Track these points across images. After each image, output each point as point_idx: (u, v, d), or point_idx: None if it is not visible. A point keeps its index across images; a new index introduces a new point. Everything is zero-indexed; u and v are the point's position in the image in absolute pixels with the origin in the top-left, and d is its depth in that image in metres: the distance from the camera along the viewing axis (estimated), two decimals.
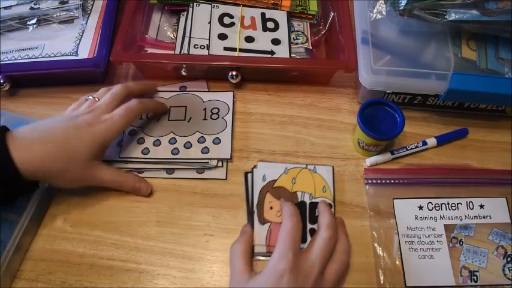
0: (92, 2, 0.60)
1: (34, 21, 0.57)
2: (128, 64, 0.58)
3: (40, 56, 0.54)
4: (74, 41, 0.56)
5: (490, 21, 0.47)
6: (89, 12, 0.59)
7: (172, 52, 0.55)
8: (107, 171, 0.46)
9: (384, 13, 0.53)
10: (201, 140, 0.51)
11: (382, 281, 0.43)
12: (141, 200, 0.48)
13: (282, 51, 0.55)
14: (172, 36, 0.58)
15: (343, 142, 0.53)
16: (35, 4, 0.57)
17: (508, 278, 0.43)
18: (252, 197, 0.47)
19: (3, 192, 0.40)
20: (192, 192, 0.49)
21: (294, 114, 0.55)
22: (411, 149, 0.51)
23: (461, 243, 0.45)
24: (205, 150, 0.50)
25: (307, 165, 0.49)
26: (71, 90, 0.55)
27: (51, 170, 0.41)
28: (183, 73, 0.56)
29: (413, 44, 0.53)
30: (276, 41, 0.56)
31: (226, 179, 0.50)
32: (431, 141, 0.51)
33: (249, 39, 0.56)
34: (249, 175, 0.49)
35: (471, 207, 0.47)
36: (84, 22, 0.58)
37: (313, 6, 0.59)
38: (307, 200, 0.46)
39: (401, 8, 0.49)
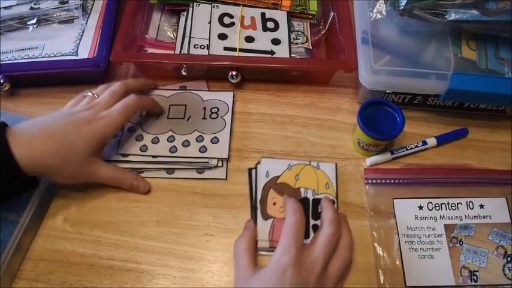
0: (92, 2, 0.60)
1: (34, 21, 0.57)
2: (128, 64, 0.58)
3: (40, 56, 0.55)
4: (74, 41, 0.56)
5: (490, 21, 0.47)
6: (89, 12, 0.59)
7: (172, 52, 0.55)
8: (106, 168, 0.46)
9: (384, 13, 0.53)
10: (199, 139, 0.51)
11: (382, 281, 0.43)
12: (141, 200, 0.48)
13: (282, 51, 0.55)
14: (172, 36, 0.58)
15: (343, 142, 0.53)
16: (35, 4, 0.57)
17: (508, 278, 0.43)
18: (256, 192, 0.47)
19: (4, 187, 0.40)
20: (192, 192, 0.49)
21: (294, 114, 0.55)
22: (411, 148, 0.51)
23: (461, 243, 0.45)
24: (203, 149, 0.50)
25: (310, 161, 0.49)
26: (71, 90, 0.55)
27: (50, 166, 0.41)
28: (183, 73, 0.56)
29: (413, 44, 0.53)
30: (276, 41, 0.56)
31: (226, 179, 0.50)
32: (431, 141, 0.52)
33: (249, 39, 0.56)
34: (253, 171, 0.49)
35: (471, 207, 0.47)
36: (84, 22, 0.58)
37: (313, 6, 0.59)
38: (310, 196, 0.46)
39: (401, 8, 0.49)
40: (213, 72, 0.56)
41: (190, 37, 0.55)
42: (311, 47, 0.57)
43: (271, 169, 0.48)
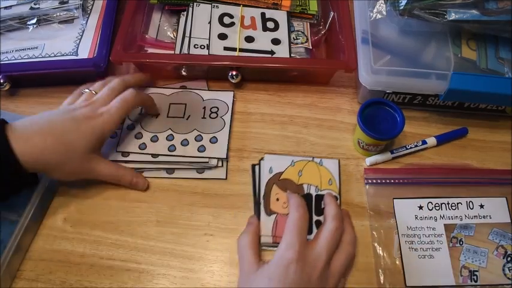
0: (92, 2, 0.60)
1: (34, 21, 0.57)
2: (128, 64, 0.58)
3: (40, 56, 0.55)
4: (74, 41, 0.56)
5: (490, 21, 0.47)
6: (89, 12, 0.59)
7: (172, 52, 0.55)
8: (105, 165, 0.46)
9: (384, 13, 0.53)
10: (198, 138, 0.51)
11: (382, 281, 0.43)
12: (141, 200, 0.48)
13: (282, 51, 0.55)
14: (172, 36, 0.58)
15: (343, 142, 0.53)
16: (35, 4, 0.57)
17: (508, 278, 0.43)
18: (259, 188, 0.47)
19: (5, 184, 0.40)
20: (192, 192, 0.49)
21: (294, 114, 0.55)
22: (411, 148, 0.51)
23: (461, 243, 0.45)
24: (202, 149, 0.50)
25: (313, 158, 0.49)
26: (71, 90, 0.54)
27: (49, 162, 0.41)
28: (183, 73, 0.56)
29: (413, 43, 0.53)
30: (276, 41, 0.56)
31: (226, 178, 0.50)
32: (431, 141, 0.52)
33: (249, 39, 0.56)
34: (256, 167, 0.49)
35: (471, 207, 0.47)
36: (84, 22, 0.58)
37: (313, 6, 0.59)
38: (313, 193, 0.46)
39: (401, 7, 0.49)
40: (213, 72, 0.56)
41: (190, 37, 0.55)
42: (311, 47, 0.57)
43: (274, 165, 0.48)
